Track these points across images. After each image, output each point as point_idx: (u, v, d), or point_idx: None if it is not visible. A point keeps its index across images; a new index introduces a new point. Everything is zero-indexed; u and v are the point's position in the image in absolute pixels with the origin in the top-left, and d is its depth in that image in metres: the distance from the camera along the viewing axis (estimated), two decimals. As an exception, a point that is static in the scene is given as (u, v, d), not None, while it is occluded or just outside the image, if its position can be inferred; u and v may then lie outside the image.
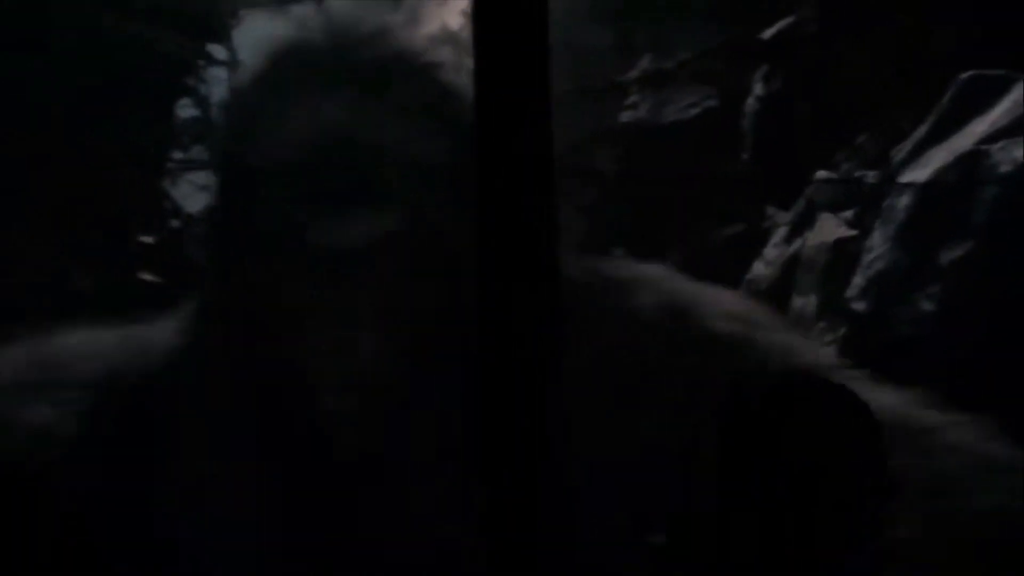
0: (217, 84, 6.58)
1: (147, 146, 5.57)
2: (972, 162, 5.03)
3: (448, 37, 8.82)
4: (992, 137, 5.07)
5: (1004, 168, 4.96)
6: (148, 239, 5.65)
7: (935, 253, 4.96)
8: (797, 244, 5.98)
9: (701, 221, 6.87)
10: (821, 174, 5.95)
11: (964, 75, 5.29)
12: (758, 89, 6.59)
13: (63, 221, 5.12)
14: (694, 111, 7.21)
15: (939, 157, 5.14)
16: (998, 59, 5.27)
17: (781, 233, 6.15)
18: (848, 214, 5.59)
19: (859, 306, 5.23)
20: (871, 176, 5.58)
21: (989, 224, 4.89)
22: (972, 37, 5.62)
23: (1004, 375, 4.57)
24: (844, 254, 5.47)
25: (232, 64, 6.56)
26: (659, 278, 4.58)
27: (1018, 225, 4.84)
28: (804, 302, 5.77)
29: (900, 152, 5.41)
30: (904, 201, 5.17)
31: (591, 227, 6.52)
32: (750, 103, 6.63)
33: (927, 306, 4.94)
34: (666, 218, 7.03)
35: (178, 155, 6.19)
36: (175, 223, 6.01)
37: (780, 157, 6.34)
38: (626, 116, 7.72)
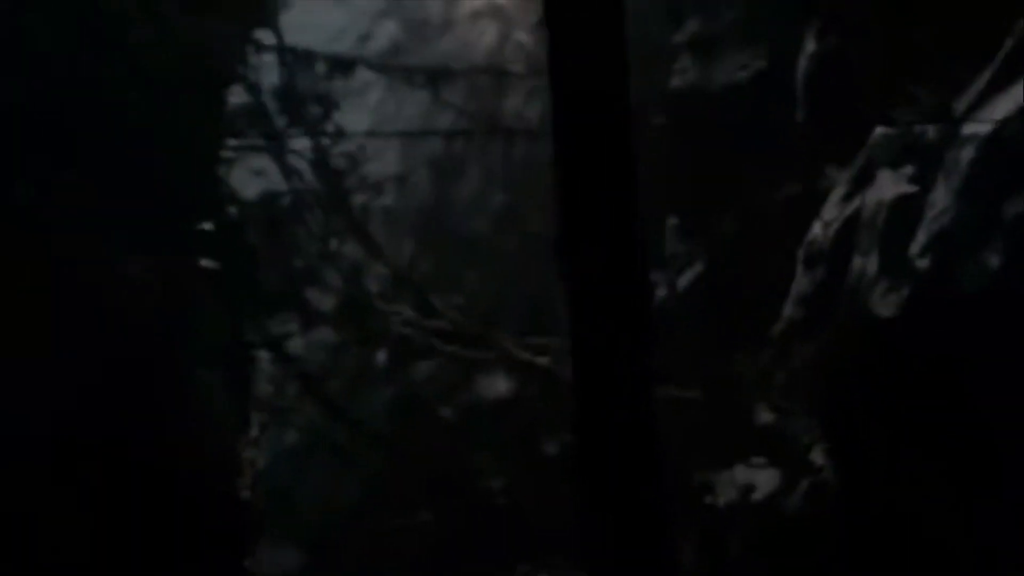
0: (268, 70, 6.58)
1: (201, 133, 5.58)
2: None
3: (494, 11, 8.81)
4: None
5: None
6: (206, 226, 5.67)
7: (1000, 206, 4.88)
8: (856, 203, 5.88)
9: (757, 184, 6.80)
10: (879, 130, 5.86)
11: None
12: (810, 47, 6.49)
13: (121, 210, 5.15)
14: (745, 72, 7.12)
15: (1003, 107, 5.04)
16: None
17: (839, 192, 6.06)
18: (908, 170, 5.49)
19: (923, 263, 5.15)
20: (931, 130, 5.49)
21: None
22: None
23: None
24: (906, 211, 5.37)
25: (281, 50, 6.56)
26: None
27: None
28: (865, 261, 5.69)
29: (961, 104, 5.31)
30: (967, 154, 5.07)
31: (645, 197, 6.45)
32: (803, 61, 6.53)
33: (993, 261, 4.86)
34: (721, 183, 6.96)
35: (232, 142, 6.20)
36: (232, 209, 6.03)
37: (836, 115, 6.25)
38: (676, 81, 7.64)
